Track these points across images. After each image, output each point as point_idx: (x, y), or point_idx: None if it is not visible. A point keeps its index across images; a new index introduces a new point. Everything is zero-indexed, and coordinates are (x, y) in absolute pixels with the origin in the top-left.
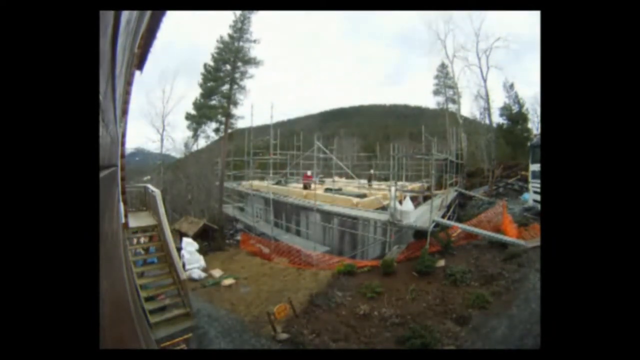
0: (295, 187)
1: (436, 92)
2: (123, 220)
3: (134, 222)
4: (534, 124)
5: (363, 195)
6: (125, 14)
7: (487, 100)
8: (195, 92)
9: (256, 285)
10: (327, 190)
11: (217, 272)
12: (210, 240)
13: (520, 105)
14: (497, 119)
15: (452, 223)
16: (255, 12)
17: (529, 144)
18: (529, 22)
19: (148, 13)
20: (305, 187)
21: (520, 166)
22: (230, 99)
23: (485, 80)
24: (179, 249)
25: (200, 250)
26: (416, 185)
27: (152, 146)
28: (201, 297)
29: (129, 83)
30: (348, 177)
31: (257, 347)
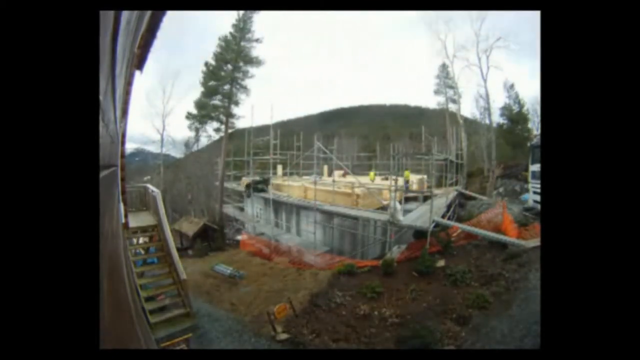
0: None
1: (437, 92)
2: (123, 220)
3: (134, 222)
4: (534, 124)
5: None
6: (125, 14)
7: (488, 101)
8: (197, 91)
9: (256, 285)
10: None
11: None
12: (210, 240)
13: (521, 106)
14: (497, 119)
15: (452, 223)
16: (256, 12)
17: (529, 144)
18: (529, 22)
19: (148, 13)
20: None
21: (520, 166)
22: (231, 99)
23: (485, 80)
24: (178, 249)
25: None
26: (416, 178)
27: (152, 146)
28: (201, 297)
29: (129, 83)
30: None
31: (257, 347)
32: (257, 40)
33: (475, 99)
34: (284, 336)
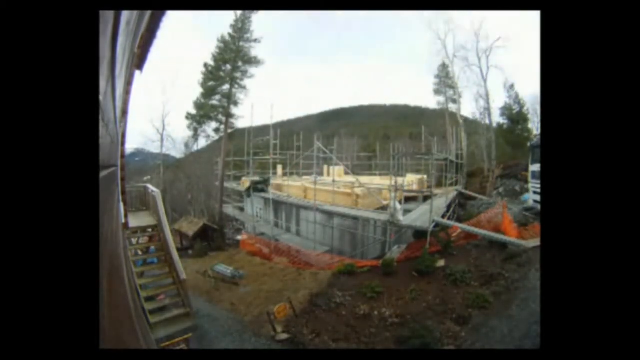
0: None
1: (437, 92)
2: (123, 220)
3: (134, 222)
4: (535, 124)
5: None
6: (125, 14)
7: (488, 100)
8: (196, 91)
9: (256, 285)
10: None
11: None
12: (210, 240)
13: (521, 106)
14: (497, 119)
15: (452, 223)
16: (255, 12)
17: (529, 144)
18: (529, 22)
19: (148, 13)
20: None
21: (520, 166)
22: (231, 99)
23: (485, 80)
24: (178, 249)
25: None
26: (416, 177)
27: (152, 146)
28: (201, 297)
29: (129, 83)
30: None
31: (257, 347)
32: (255, 41)
33: (475, 99)
34: (284, 336)
